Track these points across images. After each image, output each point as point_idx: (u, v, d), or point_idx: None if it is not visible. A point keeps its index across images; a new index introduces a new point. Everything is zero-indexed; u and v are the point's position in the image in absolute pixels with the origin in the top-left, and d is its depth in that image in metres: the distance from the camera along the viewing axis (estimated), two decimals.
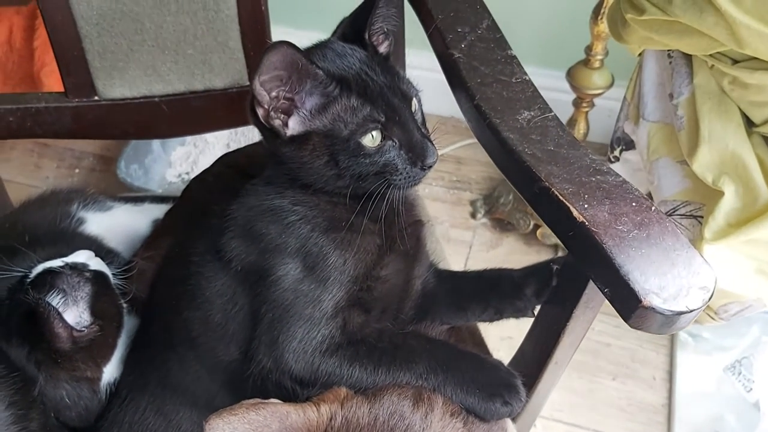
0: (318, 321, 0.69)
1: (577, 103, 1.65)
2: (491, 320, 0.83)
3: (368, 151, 0.70)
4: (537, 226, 1.82)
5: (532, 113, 0.78)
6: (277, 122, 0.70)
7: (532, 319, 0.85)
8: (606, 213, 0.66)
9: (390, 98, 0.71)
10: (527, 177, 0.71)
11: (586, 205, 0.66)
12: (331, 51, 0.73)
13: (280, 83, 0.68)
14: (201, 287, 0.75)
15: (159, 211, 1.03)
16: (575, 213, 0.65)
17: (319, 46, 0.75)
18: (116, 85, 1.08)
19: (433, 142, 0.73)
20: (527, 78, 0.83)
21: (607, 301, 0.74)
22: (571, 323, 0.74)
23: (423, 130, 0.74)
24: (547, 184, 0.69)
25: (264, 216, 0.73)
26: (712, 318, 1.07)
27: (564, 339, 0.76)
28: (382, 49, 0.78)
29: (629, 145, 1.19)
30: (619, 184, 0.69)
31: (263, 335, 0.69)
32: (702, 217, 0.97)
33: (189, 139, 2.06)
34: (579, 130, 1.69)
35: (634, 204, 0.67)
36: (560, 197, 0.67)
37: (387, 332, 0.73)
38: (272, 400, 0.62)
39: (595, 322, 1.86)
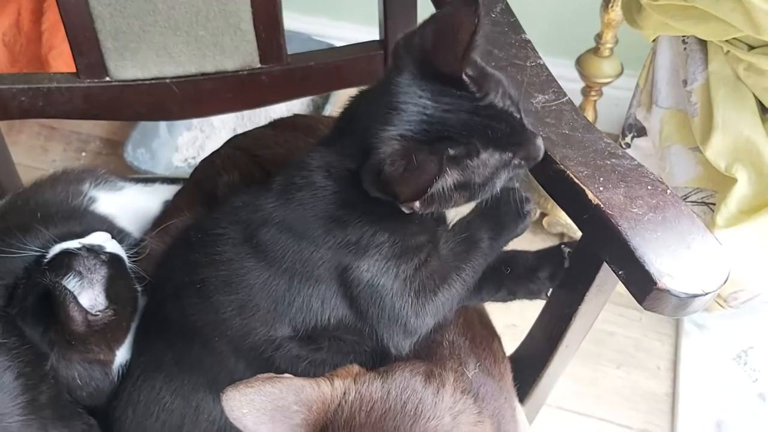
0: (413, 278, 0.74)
1: (585, 92, 1.65)
2: (504, 301, 0.83)
3: (500, 182, 0.71)
4: (543, 215, 1.81)
5: (547, 97, 0.78)
6: (419, 205, 0.68)
7: (538, 308, 0.85)
8: (621, 196, 0.66)
9: (513, 133, 0.69)
10: (543, 160, 0.71)
11: (601, 188, 0.66)
12: (431, 107, 0.68)
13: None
14: (239, 274, 0.75)
15: (169, 192, 1.03)
16: (591, 196, 0.66)
17: (411, 102, 0.68)
18: (128, 66, 1.07)
19: (537, 132, 0.72)
20: (541, 62, 0.83)
21: (612, 290, 0.75)
22: (583, 306, 0.75)
23: (531, 128, 0.72)
24: (562, 166, 0.69)
25: (327, 222, 0.73)
26: (721, 306, 1.07)
27: (576, 322, 0.76)
28: (472, 71, 0.70)
29: (641, 131, 1.19)
30: (635, 167, 0.69)
31: (381, 320, 0.74)
32: (714, 204, 0.97)
33: (195, 123, 2.06)
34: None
35: (649, 187, 0.67)
36: (575, 180, 0.67)
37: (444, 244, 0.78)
38: (286, 375, 0.63)
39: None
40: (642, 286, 0.62)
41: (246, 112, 2.02)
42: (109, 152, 2.14)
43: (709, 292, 0.60)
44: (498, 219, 0.79)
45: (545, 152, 0.71)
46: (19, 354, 0.74)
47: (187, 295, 0.77)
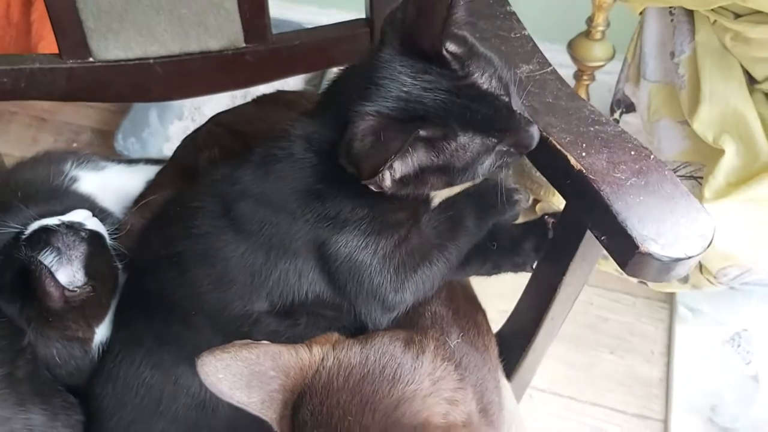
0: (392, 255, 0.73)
1: (578, 76, 1.64)
2: (488, 274, 0.82)
3: (483, 168, 0.70)
4: (536, 201, 1.81)
5: (531, 67, 0.78)
6: (388, 183, 0.67)
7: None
8: (604, 161, 0.65)
9: (497, 117, 0.68)
10: None
11: (584, 154, 0.66)
12: (410, 84, 0.67)
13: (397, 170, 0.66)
14: (216, 248, 0.74)
15: (152, 172, 1.02)
16: (573, 161, 0.65)
17: (391, 78, 0.67)
18: (111, 46, 1.06)
19: (531, 120, 0.70)
20: (526, 33, 0.83)
21: (596, 260, 0.74)
22: (567, 277, 0.74)
23: (523, 113, 0.70)
24: (545, 134, 0.68)
25: (303, 196, 0.72)
26: (711, 283, 1.06)
27: (560, 293, 0.76)
28: (456, 48, 0.69)
29: (629, 107, 1.18)
30: (618, 133, 0.68)
31: (359, 295, 0.73)
32: (702, 178, 0.96)
33: (186, 112, 2.06)
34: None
35: (632, 153, 0.66)
36: (558, 146, 0.67)
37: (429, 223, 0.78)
38: (263, 341, 0.62)
39: (594, 296, 1.88)
40: (624, 250, 0.61)
41: (237, 100, 2.02)
42: (100, 142, 2.13)
43: (692, 256, 0.60)
44: (486, 200, 0.78)
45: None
46: None
47: (164, 269, 0.77)
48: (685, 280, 1.12)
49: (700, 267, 1.07)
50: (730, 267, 1.01)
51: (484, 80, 0.67)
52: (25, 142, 2.13)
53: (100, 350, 0.81)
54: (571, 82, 1.65)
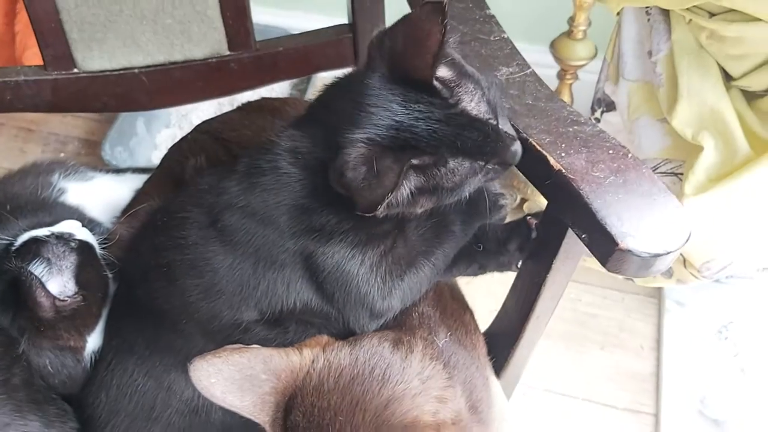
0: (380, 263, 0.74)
1: (561, 76, 1.65)
2: (474, 275, 0.83)
3: (470, 188, 0.71)
4: (523, 201, 1.82)
5: (511, 69, 0.79)
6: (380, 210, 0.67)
7: None
8: (583, 160, 0.66)
9: (486, 142, 0.68)
10: None
11: (563, 154, 0.67)
12: (401, 113, 0.67)
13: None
14: (204, 258, 0.75)
15: (140, 181, 1.03)
16: (552, 161, 0.66)
17: (381, 106, 0.68)
18: (95, 57, 1.07)
19: (515, 134, 0.71)
20: (506, 36, 0.84)
21: (579, 258, 0.75)
22: (551, 275, 0.75)
23: (508, 131, 0.71)
24: (524, 135, 0.70)
25: (292, 211, 0.73)
26: (696, 277, 1.08)
27: (545, 292, 0.77)
28: (447, 73, 0.69)
29: (610, 106, 1.20)
30: (596, 133, 0.69)
31: (347, 304, 0.74)
32: (682, 174, 0.98)
33: (174, 120, 2.06)
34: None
35: (611, 151, 0.67)
36: (538, 147, 0.68)
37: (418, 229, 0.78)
38: (254, 345, 0.63)
39: (582, 293, 1.89)
40: (604, 248, 0.63)
41: (224, 107, 2.02)
42: (88, 152, 2.13)
43: (671, 251, 0.61)
44: (472, 206, 0.79)
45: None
46: None
47: (155, 279, 0.77)
48: (669, 275, 1.14)
49: (684, 262, 1.08)
50: (713, 261, 1.03)
51: (473, 106, 0.68)
52: (13, 153, 2.13)
53: (93, 359, 0.81)
54: (555, 82, 1.66)
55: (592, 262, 1.32)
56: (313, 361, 0.63)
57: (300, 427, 0.59)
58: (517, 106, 0.73)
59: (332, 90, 0.74)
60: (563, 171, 0.65)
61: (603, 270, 1.34)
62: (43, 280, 0.75)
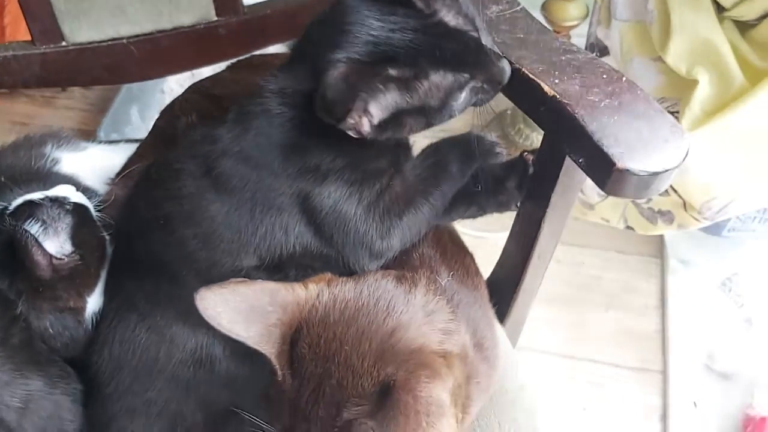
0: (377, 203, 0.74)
1: None
2: (474, 217, 0.83)
3: (459, 105, 0.71)
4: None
5: (501, 7, 0.79)
6: (366, 128, 0.68)
7: None
8: (577, 86, 0.66)
9: (466, 52, 0.69)
10: None
11: (557, 81, 0.67)
12: (378, 27, 0.68)
13: (366, 111, 0.67)
14: (201, 207, 0.75)
15: (133, 149, 1.02)
16: (546, 88, 0.66)
17: (360, 23, 0.68)
18: (83, 28, 1.06)
19: (500, 53, 0.71)
20: None
21: (576, 191, 0.75)
22: (550, 210, 0.75)
23: (493, 49, 0.71)
24: (517, 65, 0.69)
25: (284, 149, 0.73)
26: (696, 219, 1.08)
27: (545, 228, 0.77)
28: None
29: (603, 51, 1.20)
30: (589, 60, 0.69)
31: (347, 245, 0.74)
32: (678, 113, 0.97)
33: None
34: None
35: (604, 76, 0.67)
36: (531, 76, 0.68)
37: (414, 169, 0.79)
38: (259, 279, 0.63)
39: (586, 256, 1.89)
40: (602, 169, 0.62)
41: None
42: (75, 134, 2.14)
43: (669, 169, 0.61)
44: (469, 146, 0.79)
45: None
46: None
47: (152, 232, 0.77)
48: (670, 220, 1.13)
49: (684, 205, 1.08)
50: (713, 200, 1.02)
51: (450, 17, 0.68)
52: None
53: (93, 320, 0.81)
54: None
55: (591, 215, 1.32)
56: (318, 295, 0.64)
57: (306, 359, 0.59)
58: (509, 40, 0.73)
59: (314, 23, 0.74)
60: (558, 97, 0.65)
61: (602, 222, 1.34)
62: (39, 240, 0.75)
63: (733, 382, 1.55)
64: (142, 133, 1.99)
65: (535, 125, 1.84)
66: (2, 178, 0.91)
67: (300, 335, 0.60)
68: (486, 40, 0.70)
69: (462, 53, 0.68)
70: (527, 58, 0.70)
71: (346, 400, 0.57)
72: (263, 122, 0.73)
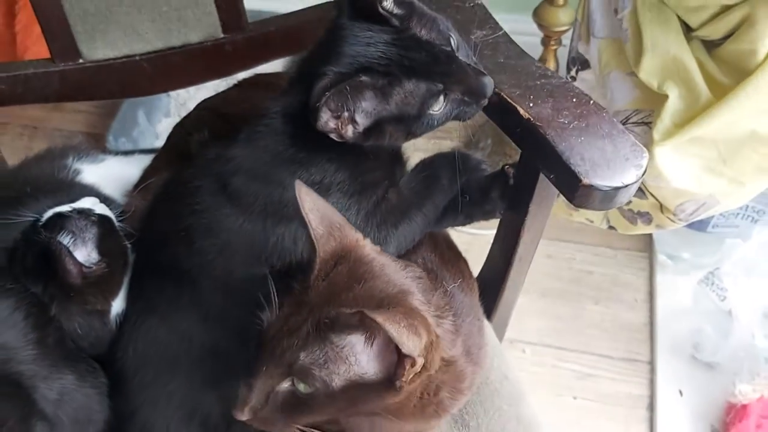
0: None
1: (545, 42, 1.71)
2: (463, 225, 0.91)
3: (438, 115, 0.77)
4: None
5: (485, 32, 0.86)
6: (350, 134, 0.76)
7: None
8: (549, 109, 0.73)
9: (436, 62, 0.75)
10: None
11: (531, 104, 0.74)
12: (357, 42, 0.76)
13: (336, 112, 0.74)
14: (218, 220, 0.82)
15: (147, 160, 1.09)
16: (522, 111, 0.73)
17: (344, 41, 0.76)
18: (99, 47, 1.13)
19: (484, 70, 0.78)
20: (479, 2, 0.90)
21: (552, 203, 0.82)
22: (528, 218, 0.82)
23: (472, 64, 0.78)
24: (497, 90, 0.76)
25: (290, 164, 0.80)
26: (672, 220, 1.14)
27: (524, 235, 0.84)
28: (397, 9, 0.77)
29: (584, 64, 1.26)
30: (562, 84, 0.76)
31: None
32: (651, 122, 1.04)
33: (173, 110, 2.12)
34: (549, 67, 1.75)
35: (574, 99, 0.74)
36: (509, 100, 0.75)
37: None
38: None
39: (576, 252, 1.95)
40: (570, 185, 0.70)
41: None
42: (92, 145, 2.18)
43: (629, 184, 0.68)
44: (457, 161, 0.87)
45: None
46: (25, 298, 0.81)
47: (173, 243, 0.84)
48: (648, 221, 1.20)
49: (661, 207, 1.15)
50: (687, 202, 1.09)
51: (423, 33, 0.76)
52: (20, 151, 2.16)
53: (117, 322, 0.88)
54: (539, 49, 1.72)
55: (577, 215, 1.39)
56: (361, 240, 0.71)
57: (342, 276, 0.67)
58: (491, 65, 0.80)
59: (310, 48, 0.82)
60: (531, 119, 0.72)
61: (586, 222, 1.41)
62: (70, 250, 0.82)
63: (716, 371, 1.62)
64: (150, 135, 2.07)
65: None
66: (28, 189, 0.98)
67: (342, 260, 0.68)
68: (464, 56, 0.77)
69: (432, 63, 0.75)
70: (506, 83, 0.77)
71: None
72: (270, 141, 0.81)
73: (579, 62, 1.27)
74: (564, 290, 1.83)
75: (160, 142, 2.03)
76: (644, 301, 1.80)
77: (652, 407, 1.62)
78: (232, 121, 0.92)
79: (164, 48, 1.15)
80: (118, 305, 0.88)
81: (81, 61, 1.13)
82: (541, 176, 0.78)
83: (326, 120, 0.74)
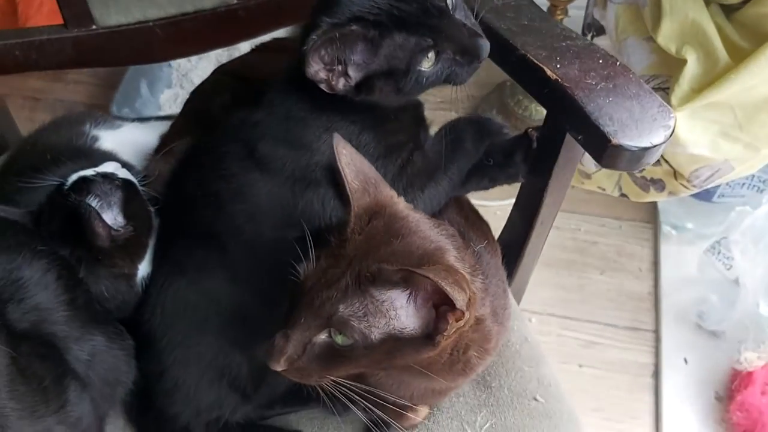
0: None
1: (551, 11, 1.71)
2: (486, 188, 0.91)
3: (429, 73, 0.77)
4: None
5: None
6: (341, 86, 0.76)
7: None
8: (576, 70, 0.74)
9: (428, 18, 0.75)
10: (506, 49, 0.79)
11: (558, 65, 0.74)
12: None
13: (326, 61, 0.74)
14: (247, 186, 0.83)
15: (164, 127, 1.09)
16: (549, 72, 0.74)
17: None
18: (112, 12, 1.12)
19: (481, 31, 0.78)
20: None
21: (575, 165, 0.83)
22: (552, 181, 0.83)
23: (469, 25, 0.78)
24: (523, 51, 0.77)
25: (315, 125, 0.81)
26: (686, 187, 1.16)
27: (547, 198, 0.85)
28: None
29: (599, 30, 1.27)
30: (587, 46, 0.77)
31: None
32: (669, 88, 1.05)
33: (175, 81, 2.11)
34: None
35: (600, 61, 0.75)
36: (535, 61, 0.75)
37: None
38: None
39: (582, 223, 1.96)
40: (599, 145, 0.70)
41: None
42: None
43: (657, 144, 0.69)
44: (481, 125, 0.88)
45: (508, 41, 0.78)
46: (56, 259, 0.82)
47: (202, 207, 0.85)
48: (661, 188, 1.22)
49: (674, 174, 1.16)
50: (702, 168, 1.10)
51: None
52: (22, 122, 2.12)
53: (143, 285, 0.89)
54: None
55: (588, 183, 1.40)
56: (395, 197, 0.72)
57: (378, 229, 0.67)
58: (514, 27, 0.81)
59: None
60: (559, 80, 0.73)
61: (598, 191, 1.42)
62: (99, 212, 0.83)
63: (721, 339, 1.64)
64: (152, 106, 2.06)
65: None
66: (48, 156, 0.99)
67: (377, 215, 0.69)
68: (462, 16, 0.77)
69: (422, 16, 0.75)
70: (532, 44, 0.77)
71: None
72: (292, 105, 0.82)
73: (594, 28, 1.27)
74: (569, 260, 1.84)
75: (163, 113, 2.06)
76: (649, 270, 1.82)
77: (657, 375, 1.64)
78: (253, 84, 0.93)
79: (177, 14, 1.14)
80: (144, 269, 0.89)
81: (94, 27, 1.13)
82: (567, 138, 0.78)
83: (316, 69, 0.75)
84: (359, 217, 0.68)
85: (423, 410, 0.88)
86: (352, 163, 0.69)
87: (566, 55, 0.75)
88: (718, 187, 1.61)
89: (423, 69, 0.76)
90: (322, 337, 0.65)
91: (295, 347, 0.65)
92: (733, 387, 1.54)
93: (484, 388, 0.91)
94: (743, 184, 1.61)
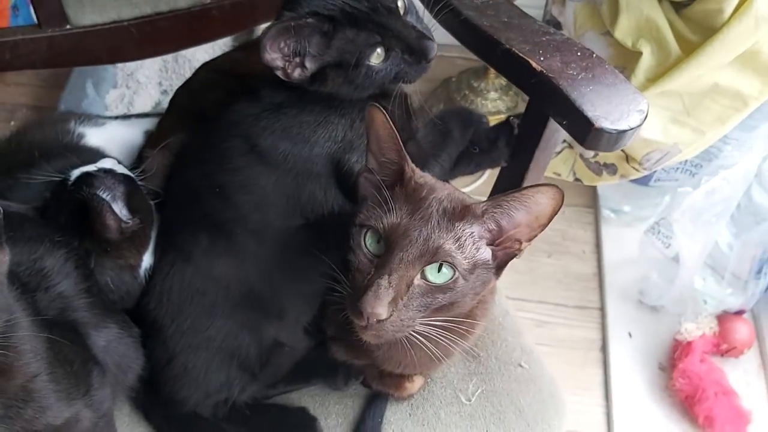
0: None
1: None
2: (472, 173, 0.99)
3: (378, 68, 0.83)
4: None
5: None
6: (296, 75, 0.82)
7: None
8: (558, 62, 0.81)
9: (378, 16, 0.81)
10: (490, 44, 0.86)
11: (542, 58, 0.81)
12: None
13: (284, 52, 0.80)
14: (252, 178, 0.87)
15: (147, 124, 1.12)
16: (534, 64, 0.80)
17: None
18: (87, 12, 1.13)
19: (431, 34, 0.84)
20: None
21: (554, 148, 0.90)
22: (532, 165, 0.90)
23: (418, 27, 0.84)
24: (508, 46, 0.84)
25: (313, 123, 0.86)
26: (637, 170, 1.25)
27: (527, 181, 0.92)
28: None
29: (557, 26, 1.35)
30: (565, 40, 0.84)
31: None
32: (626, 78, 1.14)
33: (120, 80, 2.09)
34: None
35: (578, 53, 0.83)
36: (521, 55, 0.82)
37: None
38: None
39: None
40: (582, 129, 0.78)
41: (170, 65, 2.07)
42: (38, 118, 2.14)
43: (634, 127, 0.77)
44: (464, 115, 0.95)
45: (492, 37, 0.85)
46: (73, 249, 0.84)
47: (207, 198, 0.88)
48: (613, 171, 1.31)
49: (626, 158, 1.26)
50: (653, 152, 1.20)
51: None
52: None
53: (146, 275, 0.92)
54: None
55: (547, 170, 1.48)
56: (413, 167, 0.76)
57: (397, 196, 0.73)
58: (496, 23, 0.87)
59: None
60: (544, 71, 0.80)
61: (553, 176, 1.49)
62: (110, 205, 0.85)
63: (662, 313, 1.76)
64: (99, 107, 2.05)
65: (479, 91, 1.96)
66: (36, 153, 0.99)
67: (403, 182, 0.74)
68: (412, 19, 0.84)
69: (372, 15, 0.81)
70: (515, 39, 0.84)
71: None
72: (285, 99, 0.87)
73: (553, 25, 1.36)
74: None
75: (109, 113, 2.04)
76: (592, 252, 1.93)
77: (604, 349, 1.74)
78: (245, 81, 0.96)
79: (152, 13, 1.16)
80: (147, 260, 0.92)
81: (68, 27, 1.13)
82: (549, 123, 0.85)
83: (273, 57, 0.80)
84: (380, 190, 0.74)
85: (419, 380, 0.95)
86: (383, 131, 0.74)
87: (548, 49, 0.83)
88: (654, 172, 1.71)
89: (372, 64, 0.82)
90: (419, 279, 0.70)
91: (399, 288, 0.69)
92: (674, 357, 1.65)
93: (473, 359, 0.98)
94: (677, 168, 1.71)
